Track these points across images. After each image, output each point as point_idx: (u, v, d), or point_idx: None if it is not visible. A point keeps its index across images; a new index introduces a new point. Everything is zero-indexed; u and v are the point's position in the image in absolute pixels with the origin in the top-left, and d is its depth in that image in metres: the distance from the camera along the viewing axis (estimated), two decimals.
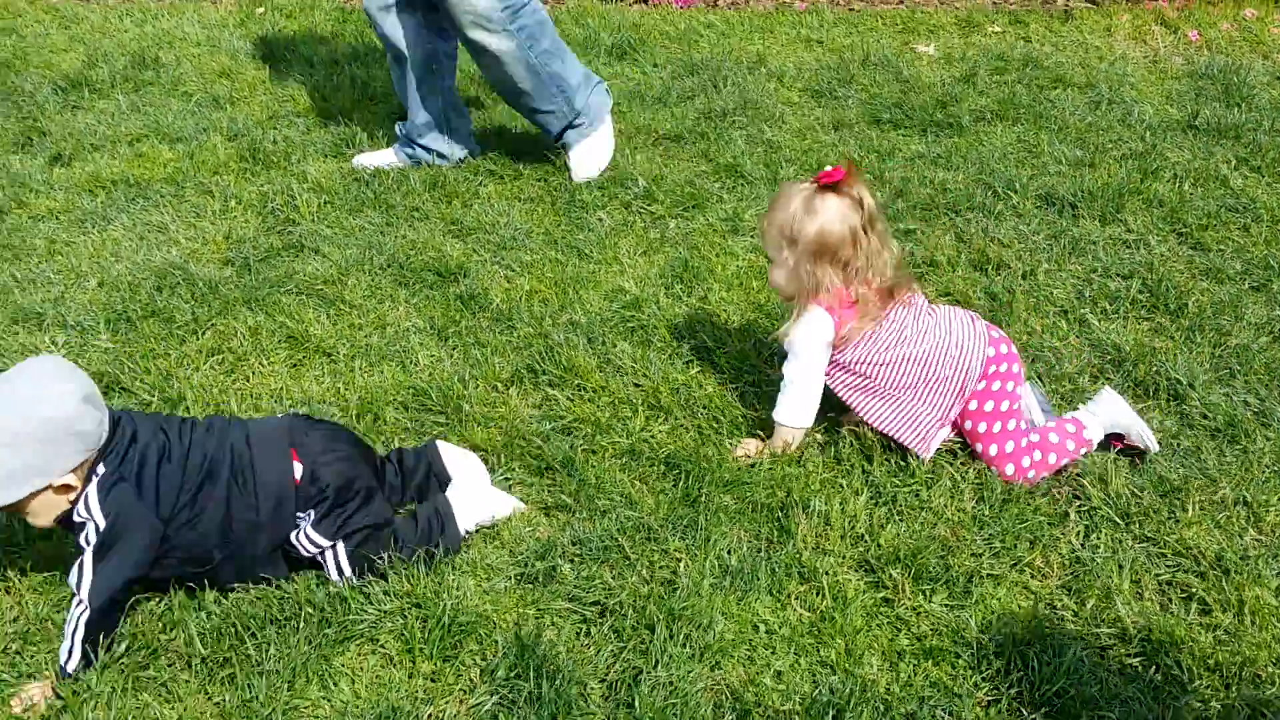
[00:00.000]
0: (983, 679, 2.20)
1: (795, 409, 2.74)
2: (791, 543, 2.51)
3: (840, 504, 2.58)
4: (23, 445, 2.16)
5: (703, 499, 2.63)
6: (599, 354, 3.18)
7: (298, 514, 2.40)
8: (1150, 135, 4.41)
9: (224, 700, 2.16)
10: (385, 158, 4.46)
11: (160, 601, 2.38)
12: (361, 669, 2.25)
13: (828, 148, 4.48)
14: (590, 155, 4.32)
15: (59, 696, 2.18)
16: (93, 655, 2.22)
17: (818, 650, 2.27)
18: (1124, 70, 5.10)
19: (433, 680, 2.22)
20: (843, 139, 4.58)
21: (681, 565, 2.45)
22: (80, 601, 2.20)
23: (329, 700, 2.18)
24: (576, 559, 2.49)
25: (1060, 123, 4.58)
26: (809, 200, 2.60)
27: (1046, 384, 3.01)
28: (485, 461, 2.77)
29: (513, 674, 2.18)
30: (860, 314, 2.65)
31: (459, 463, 2.71)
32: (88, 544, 2.22)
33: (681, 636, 2.25)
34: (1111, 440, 2.78)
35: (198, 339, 3.31)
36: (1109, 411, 2.75)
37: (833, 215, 2.57)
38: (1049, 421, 2.78)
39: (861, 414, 2.74)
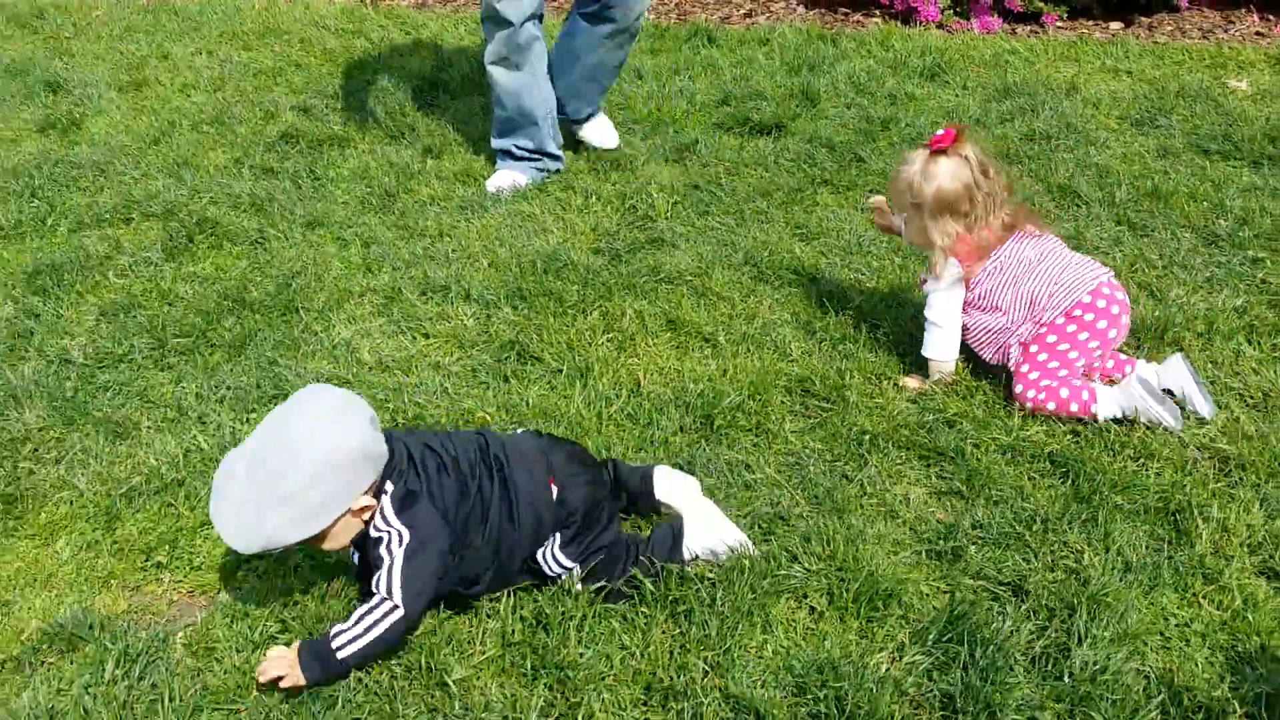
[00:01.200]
0: None
1: (940, 345, 3.18)
2: (1192, 545, 2.61)
3: (1239, 510, 2.67)
4: (324, 478, 2.19)
5: (1095, 498, 2.75)
6: (962, 356, 3.33)
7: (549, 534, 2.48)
8: None
9: (681, 633, 2.41)
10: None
11: None
12: (794, 620, 2.47)
13: (1158, 174, 4.52)
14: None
15: (315, 683, 2.26)
16: (365, 662, 2.28)
17: (1233, 646, 2.37)
18: None
19: (863, 637, 2.42)
20: (1172, 166, 4.60)
21: (1084, 557, 2.59)
22: (395, 605, 2.24)
23: (769, 644, 2.40)
24: (979, 542, 2.66)
25: None
26: (925, 165, 3.03)
27: None
28: (864, 446, 2.96)
29: (944, 639, 2.36)
30: (980, 255, 3.08)
31: (679, 488, 2.72)
32: (390, 553, 2.26)
33: (1102, 621, 2.39)
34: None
35: (587, 318, 3.61)
36: (1171, 375, 3.06)
37: (946, 176, 2.99)
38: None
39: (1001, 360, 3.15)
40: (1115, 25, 6.56)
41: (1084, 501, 2.76)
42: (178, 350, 3.52)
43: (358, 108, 5.47)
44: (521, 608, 2.46)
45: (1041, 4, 6.48)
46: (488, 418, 3.10)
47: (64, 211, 4.49)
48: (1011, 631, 2.39)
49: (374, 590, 2.26)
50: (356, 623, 2.25)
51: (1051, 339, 3.03)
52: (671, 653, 2.36)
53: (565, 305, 3.68)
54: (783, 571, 2.55)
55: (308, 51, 6.53)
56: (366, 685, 2.28)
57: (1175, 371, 3.06)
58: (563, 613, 2.44)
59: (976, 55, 6.03)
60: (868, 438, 3.03)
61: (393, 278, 3.89)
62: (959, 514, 2.76)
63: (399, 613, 2.24)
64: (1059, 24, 6.51)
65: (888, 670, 2.33)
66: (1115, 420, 3.00)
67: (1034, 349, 3.06)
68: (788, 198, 4.45)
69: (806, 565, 2.57)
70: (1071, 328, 3.02)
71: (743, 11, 7.03)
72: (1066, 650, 2.34)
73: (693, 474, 2.83)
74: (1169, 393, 3.05)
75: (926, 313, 3.19)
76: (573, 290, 3.75)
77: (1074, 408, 3.01)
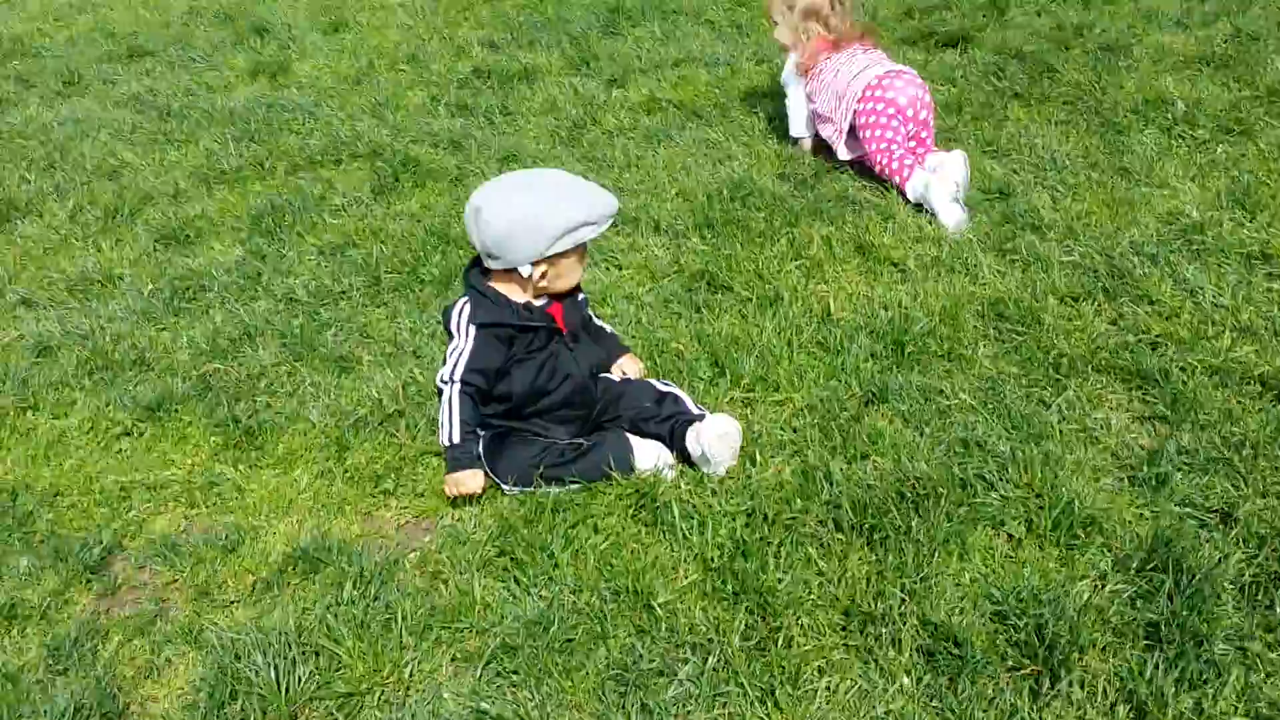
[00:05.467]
0: None
1: (796, 122, 4.26)
2: None
3: None
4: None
5: None
6: (1167, 275, 3.24)
7: None
8: None
9: (879, 561, 2.47)
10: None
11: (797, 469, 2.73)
12: (991, 548, 2.50)
13: None
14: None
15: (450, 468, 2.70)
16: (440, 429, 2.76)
17: None
18: None
19: (1063, 565, 2.44)
20: None
21: None
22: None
23: (966, 571, 2.44)
24: (1186, 468, 2.62)
25: None
26: None
27: None
28: (1062, 370, 2.93)
29: (1149, 567, 2.36)
30: (829, 49, 4.11)
31: (716, 440, 2.73)
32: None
33: None
34: None
35: (775, 245, 3.66)
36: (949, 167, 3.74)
37: None
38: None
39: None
40: None
41: None
42: (390, 287, 3.73)
43: (542, 40, 5.57)
44: (718, 531, 2.57)
45: None
46: (681, 347, 3.20)
47: (280, 154, 4.76)
48: (1219, 560, 2.37)
49: None
50: None
51: (860, 118, 3.94)
52: (868, 580, 2.43)
53: (753, 233, 3.73)
54: (979, 499, 2.57)
55: None
56: (578, 608, 2.43)
57: (952, 165, 3.73)
58: (760, 538, 2.53)
59: None
60: (1065, 361, 3.00)
61: None
62: (1163, 439, 2.72)
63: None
64: None
65: (1089, 598, 2.35)
66: (916, 199, 3.77)
67: (860, 128, 3.95)
68: (977, 113, 4.36)
69: (1003, 492, 2.59)
70: (869, 105, 3.92)
71: None
72: (1278, 579, 2.31)
73: (885, 400, 2.88)
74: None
75: (787, 100, 4.30)
76: (759, 218, 3.79)
77: (897, 179, 3.85)
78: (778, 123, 4.47)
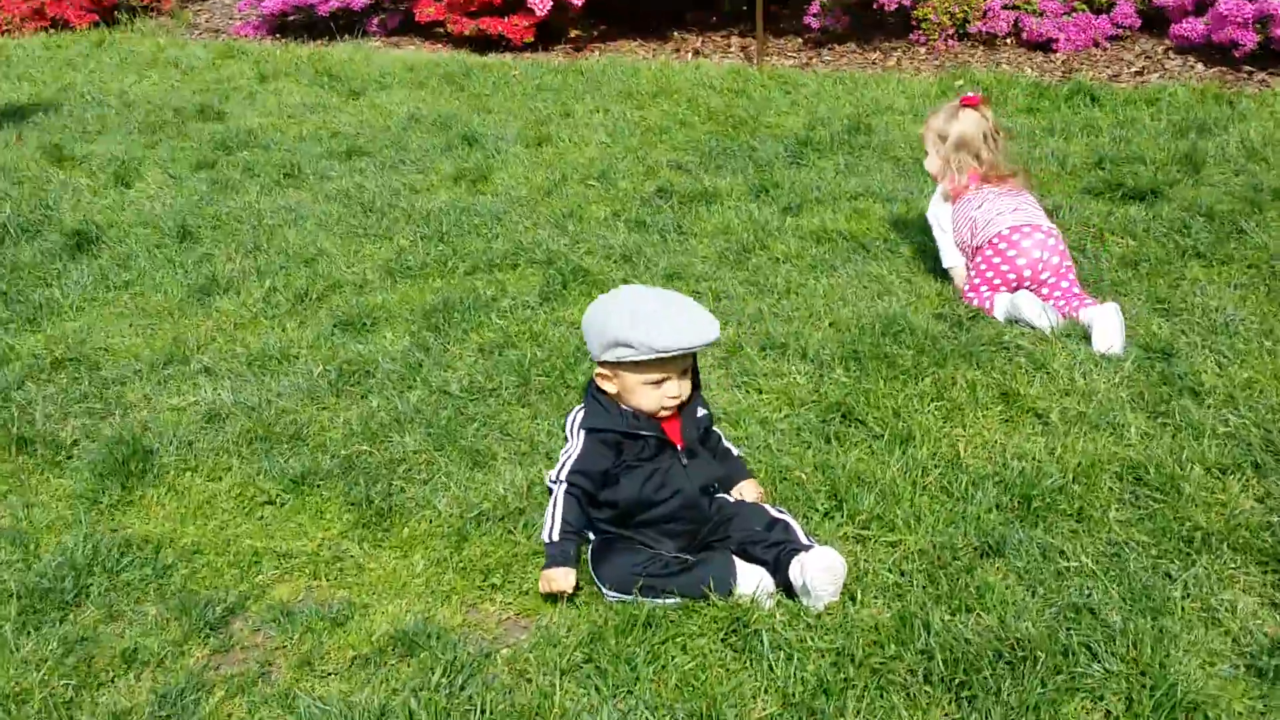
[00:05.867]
0: None
1: (948, 253, 4.32)
2: None
3: None
4: None
5: None
6: None
7: None
8: None
9: (962, 716, 2.40)
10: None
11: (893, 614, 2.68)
12: None
13: None
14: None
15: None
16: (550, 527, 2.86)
17: None
18: None
19: None
20: None
21: None
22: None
23: None
24: None
25: None
26: (953, 111, 4.30)
27: None
28: (1194, 544, 2.79)
29: None
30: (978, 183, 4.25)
31: (820, 573, 2.70)
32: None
33: None
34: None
35: (918, 384, 3.63)
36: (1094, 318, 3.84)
37: (969, 121, 4.23)
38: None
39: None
40: None
41: None
42: (538, 389, 3.87)
43: (729, 165, 5.74)
44: (804, 666, 2.54)
45: None
46: (804, 476, 3.20)
47: (463, 255, 5.04)
48: None
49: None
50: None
51: (979, 259, 4.15)
52: None
53: (898, 369, 3.71)
54: (1079, 668, 2.47)
55: (693, 110, 6.92)
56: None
57: (1103, 314, 3.80)
58: (844, 678, 2.50)
59: None
60: (1200, 535, 2.86)
61: (737, 332, 4.08)
62: None
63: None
64: None
65: None
66: (1007, 321, 4.01)
67: (975, 261, 4.19)
68: (1153, 269, 4.25)
69: (1107, 665, 2.47)
70: (988, 253, 4.11)
71: (1134, 69, 6.73)
72: None
73: (1001, 555, 2.80)
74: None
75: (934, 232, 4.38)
76: (907, 355, 3.78)
77: (975, 303, 4.13)
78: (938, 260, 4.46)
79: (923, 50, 8.25)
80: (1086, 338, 3.81)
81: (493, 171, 6.16)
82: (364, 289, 4.74)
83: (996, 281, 4.10)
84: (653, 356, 2.72)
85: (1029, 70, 7.22)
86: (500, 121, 7.11)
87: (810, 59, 8.39)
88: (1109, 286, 4.17)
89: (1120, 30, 7.71)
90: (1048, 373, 3.64)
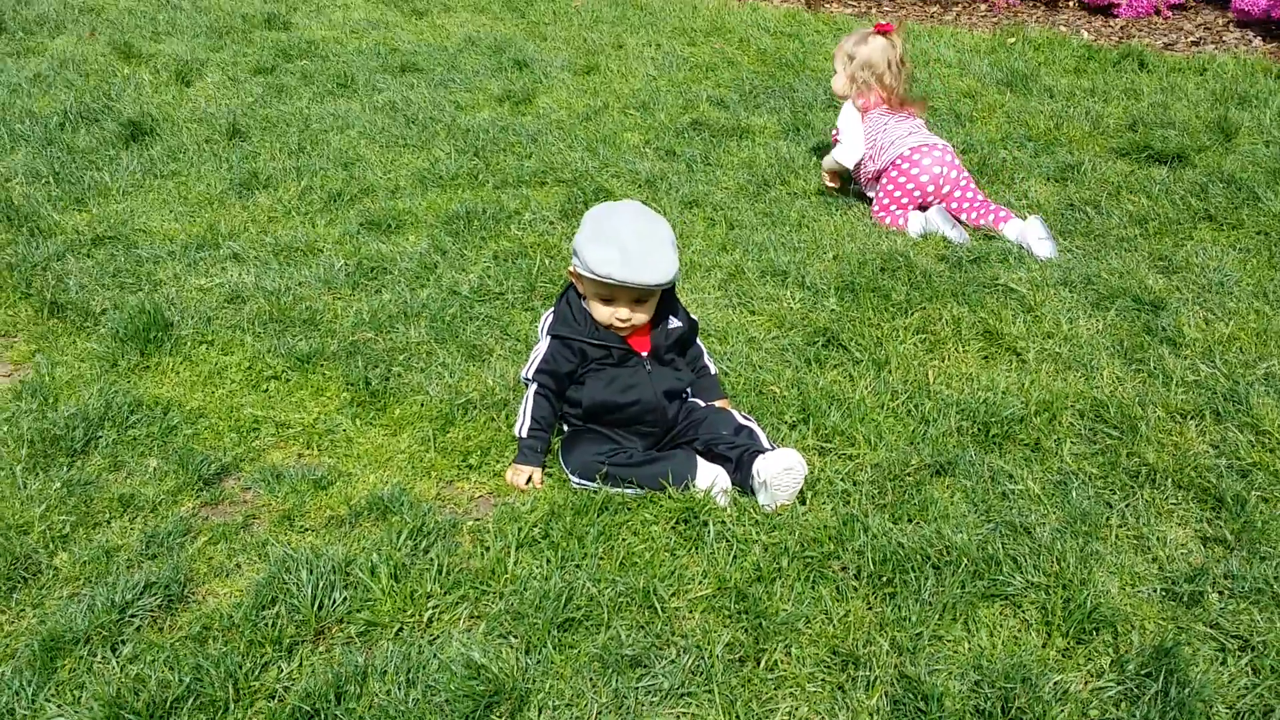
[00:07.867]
0: None
1: (844, 153, 4.62)
2: None
3: None
4: None
5: None
6: None
7: None
8: None
9: (882, 613, 2.54)
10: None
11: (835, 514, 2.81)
12: (1000, 625, 2.51)
13: None
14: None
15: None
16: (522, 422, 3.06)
17: None
18: None
19: (1064, 655, 2.43)
20: None
21: None
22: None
23: (968, 641, 2.47)
24: (1226, 592, 2.55)
25: None
26: (865, 35, 4.63)
27: None
28: (1140, 479, 2.89)
29: (1143, 672, 2.33)
30: (876, 106, 4.59)
31: (780, 473, 2.84)
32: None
33: None
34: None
35: (906, 317, 3.73)
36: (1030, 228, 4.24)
37: (878, 46, 4.57)
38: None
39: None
40: None
41: None
42: (543, 295, 4.03)
43: (769, 104, 5.82)
44: (746, 557, 2.69)
45: None
46: (777, 390, 3.33)
47: (494, 170, 5.19)
48: (1223, 681, 2.31)
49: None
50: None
51: (884, 180, 4.49)
52: (866, 627, 2.50)
53: (890, 303, 3.82)
54: (1002, 577, 2.59)
55: (743, 50, 6.98)
56: (592, 595, 2.61)
57: (1032, 227, 4.18)
58: (778, 568, 2.64)
59: None
60: (1146, 470, 2.95)
61: (741, 258, 4.20)
62: (1214, 561, 2.65)
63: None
64: None
65: (1072, 688, 2.33)
66: (920, 235, 4.34)
67: (880, 183, 4.51)
68: (1161, 227, 4.29)
69: (1029, 577, 2.59)
70: (894, 174, 4.45)
71: (1191, 40, 6.66)
72: (1271, 710, 2.23)
73: (952, 474, 2.92)
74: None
75: (839, 140, 4.66)
76: (901, 290, 3.88)
77: (888, 221, 4.45)
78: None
79: (984, 7, 8.21)
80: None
81: (537, 95, 6.29)
82: (395, 194, 4.91)
83: (904, 200, 4.45)
84: (588, 275, 2.87)
85: (1085, 33, 7.17)
86: (553, 49, 7.22)
87: (870, 8, 8.39)
88: (1115, 242, 4.22)
89: (1184, 0, 7.61)
90: (1035, 316, 3.73)
